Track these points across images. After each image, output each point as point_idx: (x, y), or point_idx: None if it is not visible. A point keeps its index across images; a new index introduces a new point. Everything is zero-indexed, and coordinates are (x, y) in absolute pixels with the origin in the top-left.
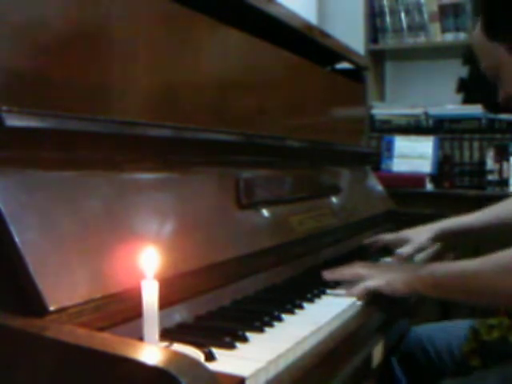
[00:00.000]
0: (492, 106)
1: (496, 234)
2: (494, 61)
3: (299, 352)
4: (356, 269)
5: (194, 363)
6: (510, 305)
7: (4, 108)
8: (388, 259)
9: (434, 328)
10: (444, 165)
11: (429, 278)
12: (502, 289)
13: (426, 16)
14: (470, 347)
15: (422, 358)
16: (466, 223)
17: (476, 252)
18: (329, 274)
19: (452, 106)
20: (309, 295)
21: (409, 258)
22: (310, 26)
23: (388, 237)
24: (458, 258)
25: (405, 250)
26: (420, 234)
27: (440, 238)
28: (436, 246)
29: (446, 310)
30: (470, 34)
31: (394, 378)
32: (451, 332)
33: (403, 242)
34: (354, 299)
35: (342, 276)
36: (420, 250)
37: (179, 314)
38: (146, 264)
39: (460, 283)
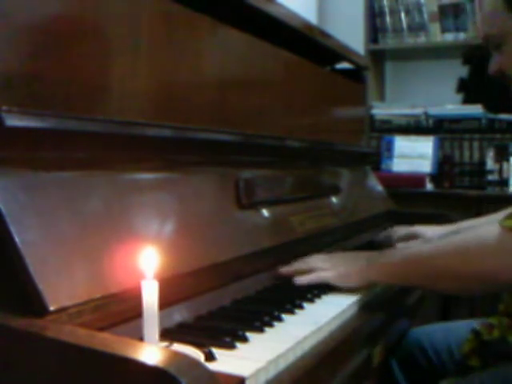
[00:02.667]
0: (492, 106)
1: None
2: (503, 31)
3: (299, 352)
4: (311, 262)
5: (194, 363)
6: (468, 288)
7: (4, 108)
8: None
9: (433, 329)
10: (444, 165)
11: (384, 265)
12: (463, 272)
13: (425, 16)
14: (470, 347)
15: (422, 358)
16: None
17: None
18: (285, 269)
19: (452, 106)
20: (309, 295)
21: None
22: (310, 26)
23: (400, 232)
24: None
25: (405, 245)
26: (434, 234)
27: None
28: None
29: (445, 311)
30: None
31: (394, 378)
32: (451, 333)
33: (413, 237)
34: (354, 299)
35: (299, 269)
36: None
37: (179, 314)
38: (146, 264)
39: (416, 267)
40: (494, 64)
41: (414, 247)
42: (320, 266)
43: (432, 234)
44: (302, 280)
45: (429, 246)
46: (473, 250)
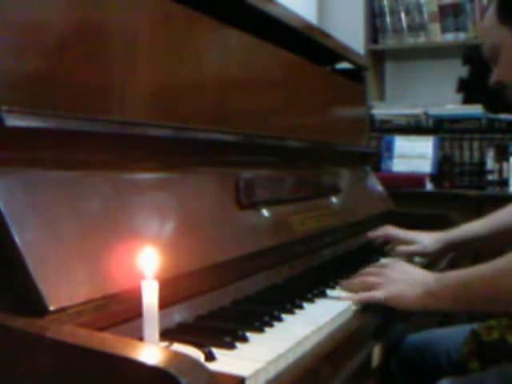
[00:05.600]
0: (492, 106)
1: (504, 240)
2: (497, 43)
3: (299, 352)
4: (365, 276)
5: (194, 363)
6: None
7: (4, 108)
8: (387, 260)
9: (431, 334)
10: (444, 165)
11: (443, 290)
12: None
13: (426, 16)
14: (469, 349)
15: (420, 362)
16: (474, 232)
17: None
18: (344, 283)
19: (452, 105)
20: (309, 295)
21: (408, 258)
22: (310, 26)
23: (396, 233)
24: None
25: (405, 249)
26: (430, 243)
27: (449, 249)
28: (449, 255)
29: (444, 316)
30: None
31: (393, 379)
32: (449, 337)
33: (410, 243)
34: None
35: (353, 285)
36: (422, 255)
37: (179, 314)
38: (146, 264)
39: (480, 291)
40: (493, 76)
41: (471, 269)
42: (373, 283)
43: (428, 242)
44: (354, 299)
45: (489, 266)
46: None
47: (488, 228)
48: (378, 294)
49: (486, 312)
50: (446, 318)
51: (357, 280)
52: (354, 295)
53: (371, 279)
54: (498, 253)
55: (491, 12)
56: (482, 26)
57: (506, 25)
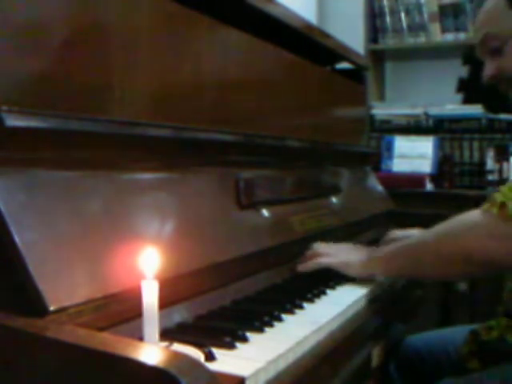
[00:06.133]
0: (492, 106)
1: None
2: (505, 31)
3: (299, 352)
4: (314, 246)
5: (194, 363)
6: (458, 272)
7: (4, 108)
8: None
9: (430, 335)
10: (444, 165)
11: (381, 258)
12: (450, 254)
13: (426, 16)
14: (469, 349)
15: (419, 363)
16: None
17: None
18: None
19: (452, 105)
20: (309, 295)
21: None
22: (310, 26)
23: (395, 233)
24: None
25: None
26: None
27: None
28: None
29: (444, 317)
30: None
31: (393, 380)
32: (448, 338)
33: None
34: (354, 299)
35: (304, 256)
36: None
37: (179, 314)
38: (146, 264)
39: (408, 254)
40: (490, 69)
41: (407, 239)
42: (323, 252)
43: None
44: (304, 267)
45: (419, 235)
46: (458, 231)
47: None
48: (326, 259)
49: (482, 326)
50: (445, 318)
51: (309, 253)
52: (306, 263)
53: (321, 250)
54: None
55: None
56: (487, 11)
57: None
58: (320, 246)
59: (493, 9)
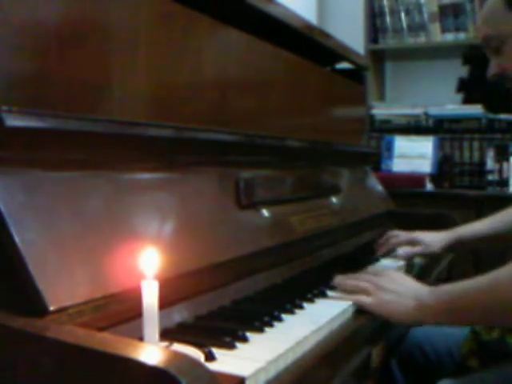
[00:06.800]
0: (492, 106)
1: (508, 240)
2: (503, 31)
3: (299, 352)
4: (358, 280)
5: (194, 363)
6: None
7: (4, 108)
8: (387, 261)
9: (433, 330)
10: (444, 165)
11: (437, 304)
12: None
13: (426, 16)
14: (469, 348)
15: (421, 359)
16: (479, 231)
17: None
18: (338, 280)
19: (452, 105)
20: (309, 295)
21: (408, 260)
22: (310, 26)
23: (399, 237)
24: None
25: (407, 251)
26: (434, 241)
27: (454, 247)
28: (449, 256)
29: None
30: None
31: (393, 379)
32: (450, 334)
33: (414, 244)
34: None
35: (345, 285)
36: (424, 255)
37: (179, 314)
38: (146, 264)
39: (476, 301)
40: (494, 67)
41: (467, 281)
42: (363, 287)
43: (431, 240)
44: (335, 295)
45: (486, 277)
46: None
47: (492, 227)
48: (365, 300)
49: (483, 325)
50: None
51: (350, 281)
52: (344, 295)
53: (363, 284)
54: (500, 254)
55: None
56: (485, 13)
57: None
58: (364, 279)
59: (491, 10)
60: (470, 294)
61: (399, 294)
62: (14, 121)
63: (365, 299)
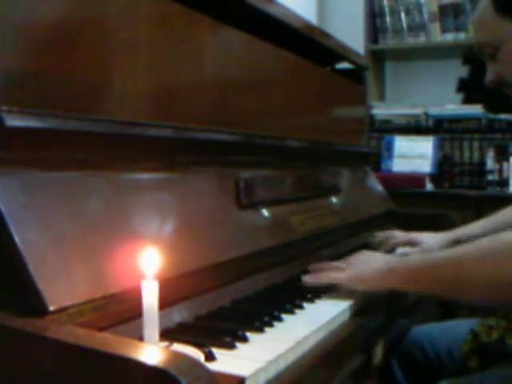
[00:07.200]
0: (492, 106)
1: None
2: (496, 37)
3: (299, 352)
4: (332, 263)
5: (194, 363)
6: (497, 295)
7: (4, 108)
8: None
9: (433, 328)
10: (444, 165)
11: (405, 270)
12: (493, 276)
13: (426, 16)
14: (469, 348)
15: (421, 358)
16: (478, 232)
17: None
18: (313, 265)
19: (452, 105)
20: (309, 295)
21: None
22: (310, 26)
23: (399, 238)
24: None
25: (405, 251)
26: (432, 242)
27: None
28: None
29: (446, 310)
30: (477, 6)
31: (394, 378)
32: (451, 332)
33: (413, 245)
34: (354, 299)
35: (318, 266)
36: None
37: (179, 314)
38: (146, 264)
39: (441, 272)
40: (491, 74)
41: (436, 253)
42: (337, 265)
43: (430, 240)
44: (309, 280)
45: (453, 250)
46: (501, 253)
47: (490, 228)
48: (339, 275)
49: (483, 327)
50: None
51: (323, 264)
52: (316, 275)
53: (336, 264)
54: None
55: (485, 5)
56: (476, 20)
57: (505, 17)
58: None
59: (482, 16)
60: (437, 265)
61: (370, 265)
62: (13, 121)
63: (339, 274)
